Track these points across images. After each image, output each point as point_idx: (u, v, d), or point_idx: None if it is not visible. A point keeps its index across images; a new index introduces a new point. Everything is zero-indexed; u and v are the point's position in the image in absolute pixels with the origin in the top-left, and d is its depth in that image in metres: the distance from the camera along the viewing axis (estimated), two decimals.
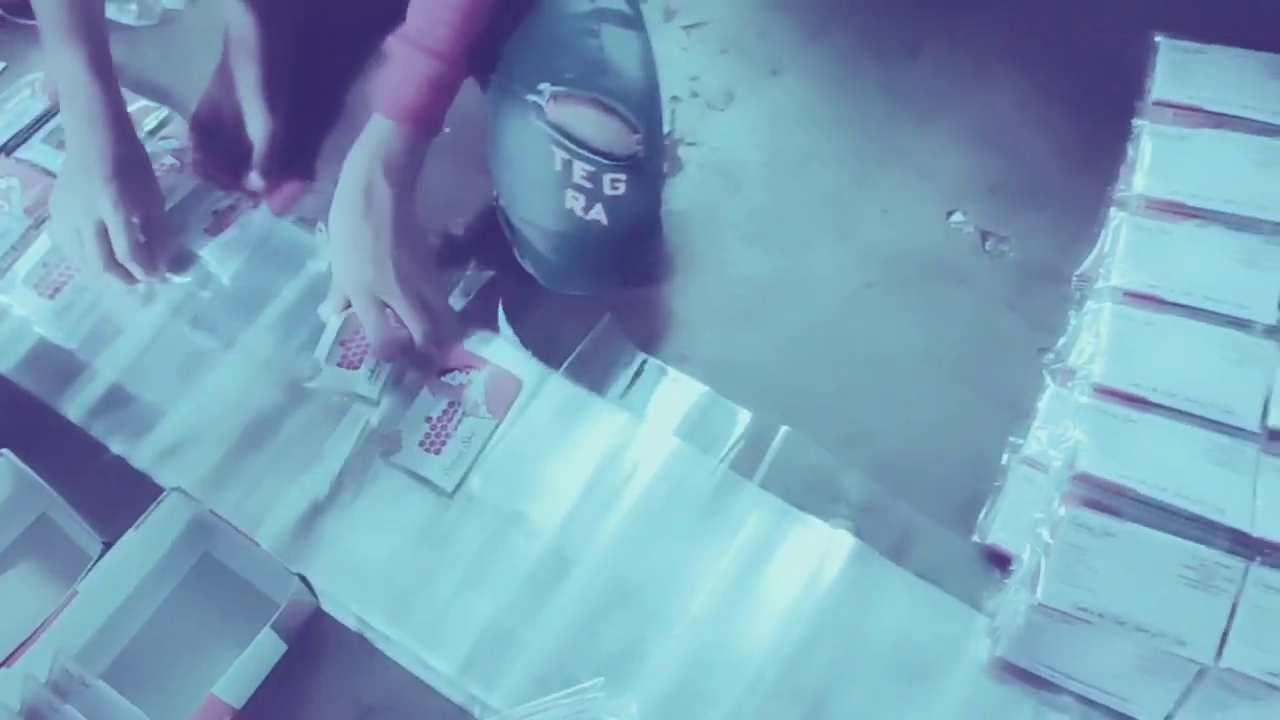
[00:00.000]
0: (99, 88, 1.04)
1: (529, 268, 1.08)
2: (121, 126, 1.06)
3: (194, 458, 1.04)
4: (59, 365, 1.10)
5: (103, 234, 1.05)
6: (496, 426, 1.05)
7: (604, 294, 1.10)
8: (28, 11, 1.31)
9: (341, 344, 1.06)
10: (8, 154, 1.23)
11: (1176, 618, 0.83)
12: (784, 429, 1.03)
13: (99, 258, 1.05)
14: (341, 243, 1.00)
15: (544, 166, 0.99)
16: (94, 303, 1.13)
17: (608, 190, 0.98)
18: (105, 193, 1.03)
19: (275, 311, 1.12)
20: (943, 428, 1.04)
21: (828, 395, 1.06)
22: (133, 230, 1.05)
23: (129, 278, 1.08)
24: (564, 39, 1.01)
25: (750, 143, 1.21)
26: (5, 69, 1.32)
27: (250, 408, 1.07)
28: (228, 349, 1.10)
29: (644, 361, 1.08)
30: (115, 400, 1.08)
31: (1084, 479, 0.88)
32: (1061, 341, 1.05)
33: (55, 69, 1.06)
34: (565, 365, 1.07)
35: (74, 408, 1.07)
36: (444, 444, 1.04)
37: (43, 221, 1.16)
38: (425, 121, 0.98)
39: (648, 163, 1.01)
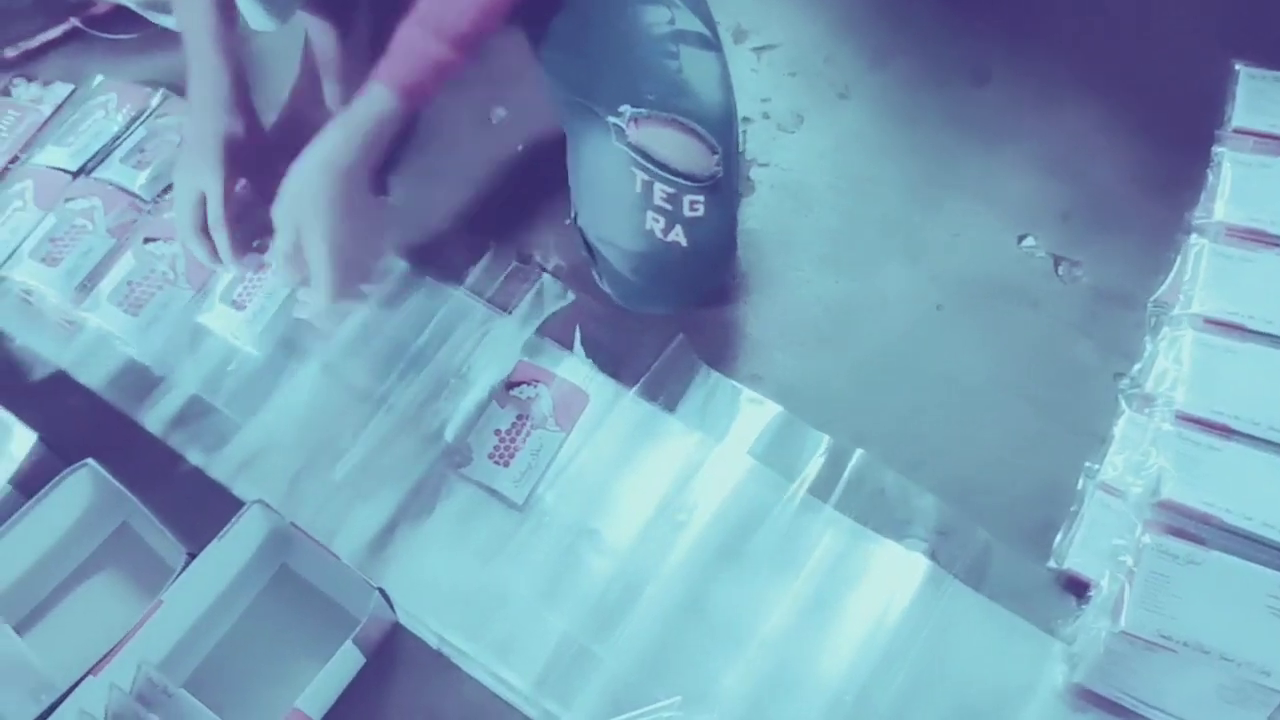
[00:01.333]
0: (226, 69, 1.06)
1: (606, 288, 1.09)
2: (242, 108, 1.08)
3: (270, 470, 1.06)
4: (140, 379, 1.12)
5: (200, 202, 1.06)
6: (565, 439, 1.06)
7: (680, 314, 1.11)
8: (110, 25, 1.35)
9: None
10: (87, 175, 1.25)
11: (1262, 647, 0.83)
12: (859, 451, 1.03)
13: (189, 222, 1.06)
14: (307, 182, 0.98)
15: (625, 188, 0.99)
16: (178, 319, 1.15)
17: (687, 212, 0.99)
18: (210, 165, 1.05)
19: (353, 325, 1.13)
20: (1016, 451, 1.04)
21: (900, 417, 1.06)
22: (226, 202, 1.05)
23: (212, 251, 1.07)
24: (644, 61, 1.02)
25: (820, 165, 1.22)
26: (75, 91, 1.34)
27: (326, 421, 1.08)
28: (304, 362, 1.12)
29: (717, 381, 1.08)
30: (193, 412, 1.09)
31: (1168, 506, 0.88)
32: (1137, 367, 1.05)
33: (189, 40, 1.07)
34: (639, 384, 1.07)
35: (153, 419, 1.09)
36: (513, 456, 1.05)
37: (126, 240, 1.19)
38: (421, 100, 0.99)
39: (725, 184, 1.02)
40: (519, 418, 1.07)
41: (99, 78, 1.33)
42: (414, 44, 0.97)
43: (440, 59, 0.97)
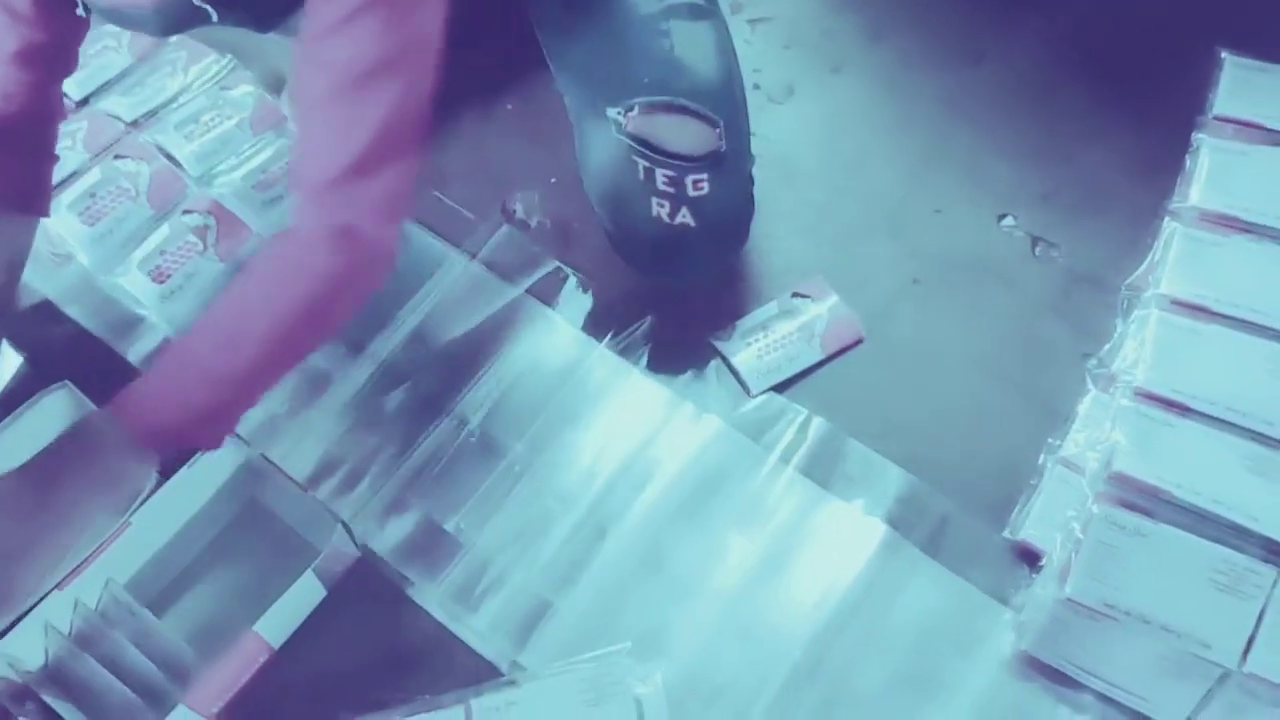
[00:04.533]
0: None
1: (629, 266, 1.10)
2: None
3: None
4: (122, 316, 1.14)
5: None
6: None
7: (689, 286, 1.13)
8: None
9: None
10: (139, 129, 1.24)
11: (1203, 620, 0.84)
12: (823, 418, 1.05)
13: None
14: None
15: (629, 177, 1.01)
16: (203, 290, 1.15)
17: (691, 192, 1.00)
18: None
19: None
20: (981, 425, 1.05)
21: (868, 387, 1.08)
22: None
23: None
24: (635, 44, 1.03)
25: (808, 138, 1.23)
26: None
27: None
28: None
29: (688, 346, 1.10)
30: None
31: (1120, 478, 0.89)
32: (1106, 348, 1.05)
33: None
34: (610, 338, 1.09)
35: (134, 352, 1.11)
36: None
37: (165, 212, 1.18)
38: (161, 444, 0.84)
39: (731, 154, 1.02)
40: None
41: None
42: (163, 378, 0.85)
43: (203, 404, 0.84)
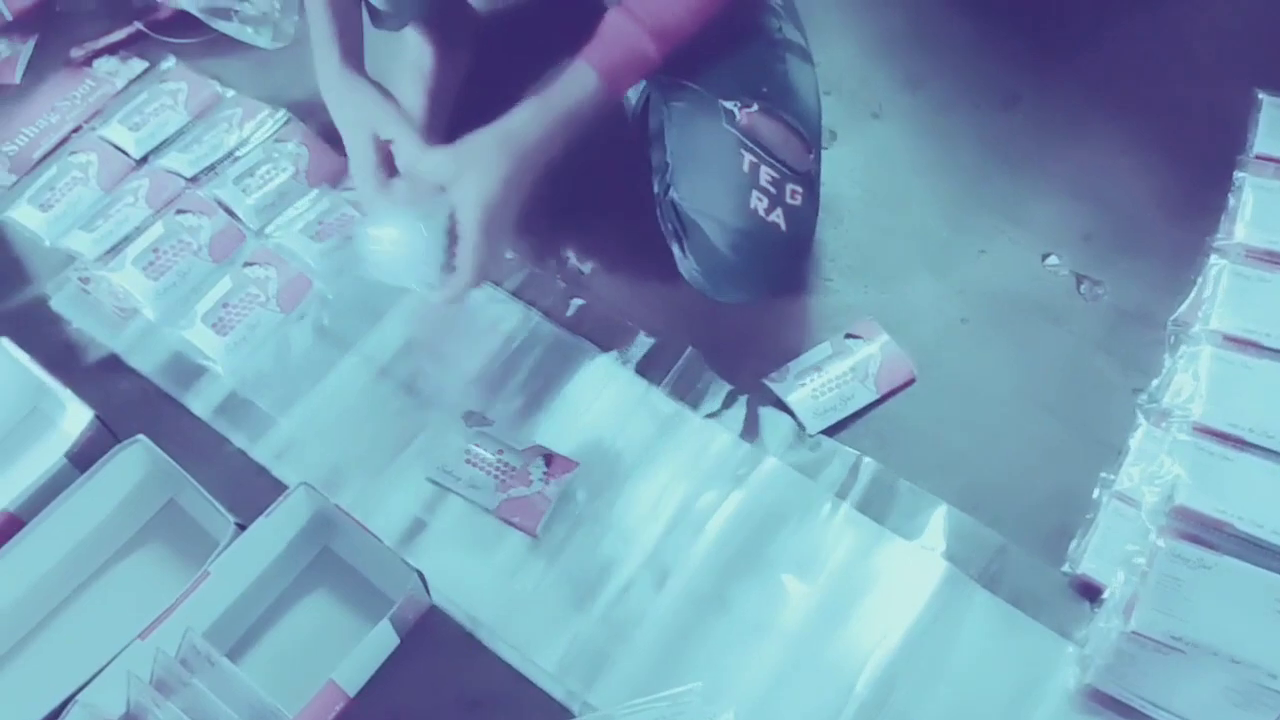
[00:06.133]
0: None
1: (689, 269, 1.11)
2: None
3: (311, 456, 1.10)
4: (187, 367, 1.16)
5: (378, 146, 1.05)
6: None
7: (753, 301, 1.15)
8: (173, 29, 1.40)
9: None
10: (198, 184, 1.27)
11: (1269, 650, 0.85)
12: (874, 458, 1.07)
13: (372, 172, 1.05)
14: (483, 152, 0.99)
15: (732, 166, 1.05)
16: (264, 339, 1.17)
17: (788, 199, 1.06)
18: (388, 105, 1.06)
19: (396, 318, 1.18)
20: (1034, 461, 1.07)
21: (923, 425, 1.10)
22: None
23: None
24: (757, 58, 1.10)
25: (851, 180, 1.26)
26: (148, 70, 1.38)
27: (367, 411, 1.12)
28: (346, 353, 1.16)
29: (733, 388, 1.12)
30: (236, 402, 1.13)
31: (1182, 512, 0.91)
32: (1155, 383, 1.08)
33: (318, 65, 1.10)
34: (666, 382, 1.12)
35: (199, 405, 1.13)
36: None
37: (225, 264, 1.21)
38: (619, 90, 1.03)
39: (816, 183, 1.10)
40: None
41: (171, 59, 1.38)
42: (624, 33, 1.01)
43: (646, 54, 1.01)
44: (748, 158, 1.05)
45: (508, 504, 1.06)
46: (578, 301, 1.18)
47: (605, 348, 1.15)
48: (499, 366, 1.15)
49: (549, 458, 1.07)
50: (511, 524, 1.05)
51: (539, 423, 1.11)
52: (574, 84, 1.01)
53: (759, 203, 1.05)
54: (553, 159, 1.02)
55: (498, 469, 1.07)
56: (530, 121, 1.00)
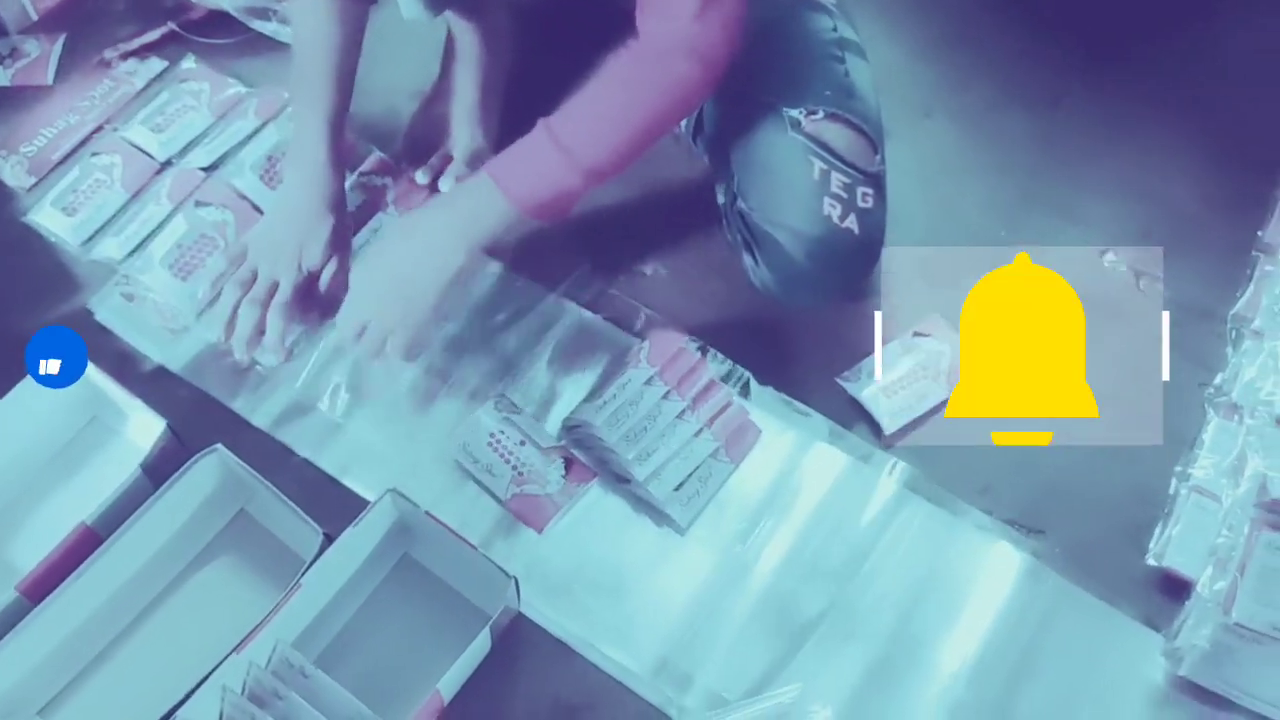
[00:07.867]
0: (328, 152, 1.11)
1: (761, 277, 1.11)
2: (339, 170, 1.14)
3: (379, 465, 1.08)
4: (243, 379, 1.14)
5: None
6: (733, 471, 1.08)
7: (825, 307, 1.15)
8: (207, 29, 1.37)
9: None
10: (216, 174, 1.26)
11: None
12: (950, 454, 1.08)
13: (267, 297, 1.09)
14: (392, 275, 1.03)
15: (802, 174, 1.04)
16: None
17: (860, 203, 1.05)
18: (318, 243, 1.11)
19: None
20: (1107, 455, 1.08)
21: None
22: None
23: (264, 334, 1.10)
24: (816, 62, 1.08)
25: (906, 180, 1.25)
26: (167, 69, 1.36)
27: (439, 419, 1.11)
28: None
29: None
30: (296, 412, 1.12)
31: (1276, 505, 0.92)
32: (1221, 376, 1.09)
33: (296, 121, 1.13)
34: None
35: (260, 416, 1.11)
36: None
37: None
38: (543, 217, 1.01)
39: (884, 183, 1.09)
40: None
41: (190, 58, 1.36)
42: (542, 159, 0.98)
43: (567, 187, 0.99)
44: (817, 165, 1.04)
45: (519, 499, 1.05)
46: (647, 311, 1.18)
47: None
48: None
49: (569, 461, 1.07)
50: (520, 518, 1.05)
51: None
52: (482, 205, 1.00)
53: (832, 209, 1.04)
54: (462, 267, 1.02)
55: (517, 461, 1.07)
56: (443, 241, 1.01)
